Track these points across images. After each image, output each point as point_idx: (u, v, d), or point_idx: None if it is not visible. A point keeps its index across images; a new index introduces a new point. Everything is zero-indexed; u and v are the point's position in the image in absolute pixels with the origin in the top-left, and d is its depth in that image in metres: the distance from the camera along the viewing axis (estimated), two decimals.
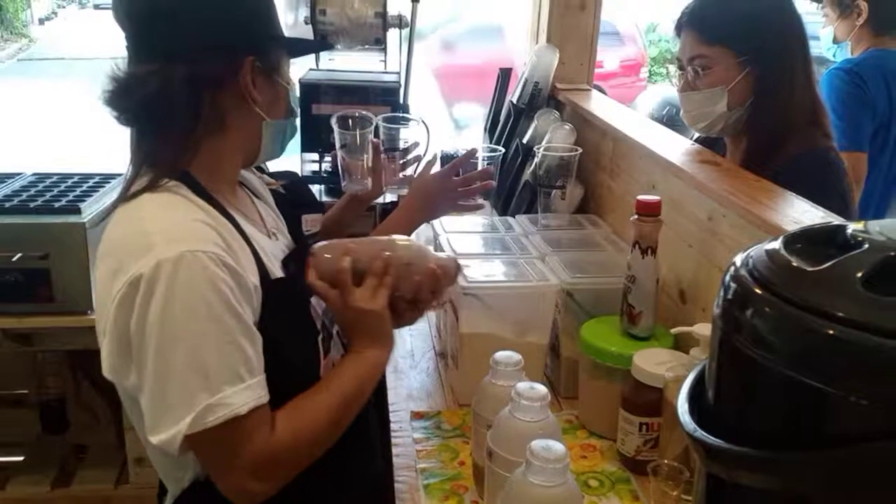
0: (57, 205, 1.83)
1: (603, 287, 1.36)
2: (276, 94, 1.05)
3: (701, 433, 0.63)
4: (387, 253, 1.08)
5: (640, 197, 1.26)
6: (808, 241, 0.67)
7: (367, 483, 1.18)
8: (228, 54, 0.97)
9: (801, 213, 1.11)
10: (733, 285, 0.65)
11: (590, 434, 1.27)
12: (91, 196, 1.89)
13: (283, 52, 1.07)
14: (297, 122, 1.16)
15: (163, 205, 0.95)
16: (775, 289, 0.61)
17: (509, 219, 1.73)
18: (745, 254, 0.68)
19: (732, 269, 0.67)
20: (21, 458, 2.07)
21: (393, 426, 1.30)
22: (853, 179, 2.19)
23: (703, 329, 1.10)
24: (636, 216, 1.26)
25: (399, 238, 1.15)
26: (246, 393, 0.90)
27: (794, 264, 0.63)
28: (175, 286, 0.87)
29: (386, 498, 1.20)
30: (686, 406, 0.68)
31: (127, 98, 0.96)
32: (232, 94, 0.99)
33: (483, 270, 1.41)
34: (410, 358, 1.54)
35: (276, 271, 1.03)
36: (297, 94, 1.15)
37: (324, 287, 1.05)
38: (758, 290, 0.62)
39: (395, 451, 1.24)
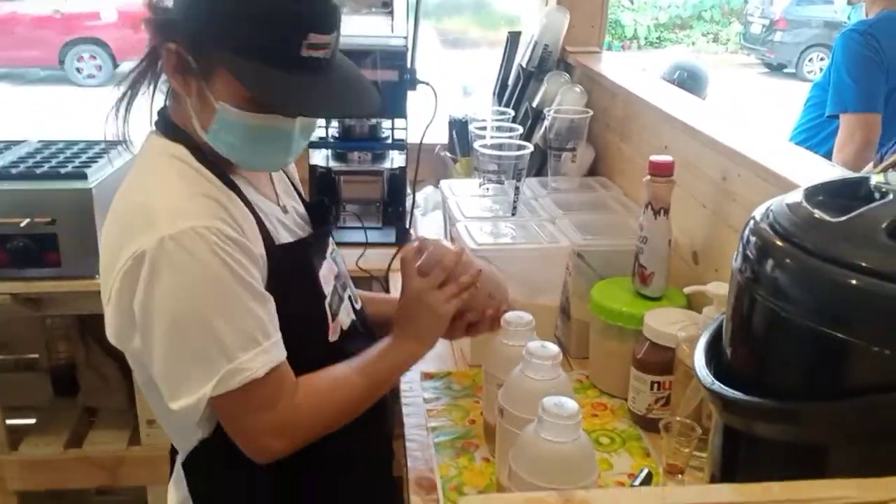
0: (63, 171, 1.82)
1: (614, 248, 1.36)
2: (205, 103, 0.96)
3: (718, 385, 0.63)
4: (481, 273, 1.12)
5: (652, 157, 1.25)
6: (829, 193, 0.67)
7: (377, 447, 1.19)
8: (157, 30, 0.96)
9: (818, 170, 1.10)
10: (753, 238, 0.65)
11: (601, 393, 1.27)
12: (97, 162, 1.88)
13: (231, 69, 0.92)
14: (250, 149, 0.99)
15: (171, 176, 0.96)
16: (797, 241, 0.60)
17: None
18: (766, 207, 0.67)
19: (752, 222, 0.66)
20: (33, 421, 2.08)
21: (403, 387, 1.30)
22: (867, 141, 2.17)
23: (717, 288, 1.09)
24: (649, 177, 1.24)
25: (497, 271, 1.21)
26: (262, 357, 0.92)
27: (817, 216, 0.62)
28: (178, 263, 0.88)
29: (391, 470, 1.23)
30: (703, 360, 0.67)
31: None
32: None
33: (493, 233, 1.40)
34: None
35: (281, 237, 1.04)
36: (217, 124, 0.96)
37: (419, 271, 1.09)
38: (779, 243, 0.61)
39: (405, 410, 1.24)
